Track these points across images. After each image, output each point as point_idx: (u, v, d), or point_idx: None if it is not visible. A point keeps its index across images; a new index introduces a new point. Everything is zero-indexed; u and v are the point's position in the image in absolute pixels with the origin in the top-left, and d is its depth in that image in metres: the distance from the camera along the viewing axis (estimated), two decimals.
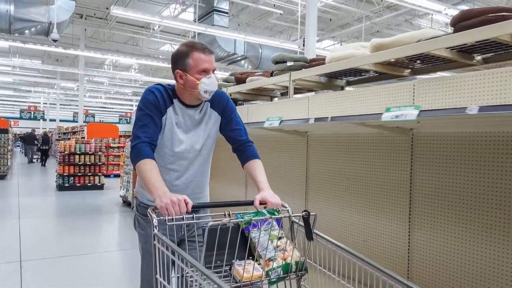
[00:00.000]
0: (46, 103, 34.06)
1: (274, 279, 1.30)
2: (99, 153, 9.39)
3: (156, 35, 16.54)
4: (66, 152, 9.03)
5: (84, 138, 12.61)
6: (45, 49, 12.90)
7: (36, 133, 19.92)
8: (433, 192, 2.23)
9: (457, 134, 2.16)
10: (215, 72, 1.68)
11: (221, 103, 1.78)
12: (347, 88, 4.21)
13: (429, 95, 2.19)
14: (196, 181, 1.76)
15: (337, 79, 4.12)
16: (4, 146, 11.29)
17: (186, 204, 1.36)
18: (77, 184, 9.05)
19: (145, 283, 1.77)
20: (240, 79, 4.61)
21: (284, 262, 1.32)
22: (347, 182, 2.78)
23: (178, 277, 1.35)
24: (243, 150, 1.76)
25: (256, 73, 4.58)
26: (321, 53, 12.12)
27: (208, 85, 1.61)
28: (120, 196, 7.46)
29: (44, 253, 4.18)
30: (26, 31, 10.76)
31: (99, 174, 9.32)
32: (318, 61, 3.72)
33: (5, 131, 11.52)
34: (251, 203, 1.50)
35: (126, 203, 7.13)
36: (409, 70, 3.43)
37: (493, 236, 1.94)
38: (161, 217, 1.33)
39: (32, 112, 28.19)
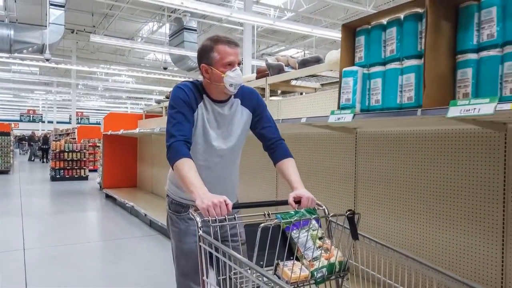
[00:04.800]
0: (44, 106, 36.26)
1: (320, 280, 1.29)
2: (84, 150, 11.62)
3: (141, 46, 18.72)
4: (57, 150, 11.27)
5: (75, 139, 14.82)
6: (40, 65, 15.06)
7: (35, 135, 22.31)
8: None
9: None
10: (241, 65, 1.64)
11: (252, 100, 1.75)
12: None
13: None
14: (227, 178, 1.76)
15: None
16: (7, 146, 13.53)
17: (227, 205, 1.35)
18: (66, 176, 11.28)
19: (181, 286, 1.74)
20: None
21: (328, 262, 1.31)
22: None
23: (223, 278, 1.33)
24: (275, 148, 1.72)
25: None
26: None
27: (233, 78, 1.59)
28: (97, 183, 9.69)
29: (39, 212, 6.41)
30: (24, 51, 12.95)
31: (84, 167, 11.56)
32: None
33: (7, 133, 13.78)
34: (286, 202, 1.49)
35: (101, 187, 9.36)
36: None
37: None
38: (205, 218, 1.34)
39: (31, 115, 30.41)
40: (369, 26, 2.15)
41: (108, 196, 8.00)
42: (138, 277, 3.48)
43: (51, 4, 12.09)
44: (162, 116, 7.05)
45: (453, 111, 1.57)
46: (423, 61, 1.78)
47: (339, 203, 3.00)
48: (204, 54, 1.62)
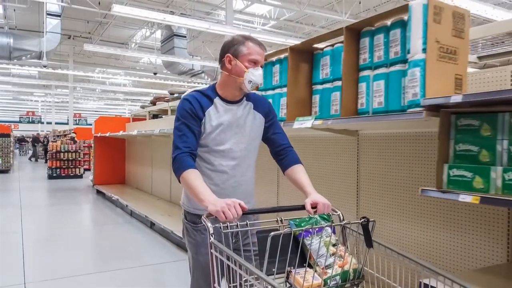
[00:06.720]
0: (43, 108, 37.12)
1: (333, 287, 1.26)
2: (79, 151, 12.50)
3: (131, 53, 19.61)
4: (54, 151, 12.14)
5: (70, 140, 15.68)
6: (38, 70, 15.93)
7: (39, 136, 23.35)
8: None
9: None
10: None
11: (264, 106, 1.79)
12: None
13: None
14: (244, 186, 1.75)
15: None
16: (7, 147, 14.41)
17: (240, 206, 1.36)
18: (62, 174, 12.15)
19: None
20: (154, 102, 7.72)
21: (342, 270, 1.28)
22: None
23: (235, 286, 1.29)
24: (285, 154, 1.75)
25: (166, 98, 7.66)
26: None
27: (254, 75, 1.61)
28: (90, 180, 10.56)
29: (36, 204, 7.29)
30: (23, 58, 13.81)
31: (79, 166, 12.44)
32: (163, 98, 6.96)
33: (8, 135, 14.67)
34: (301, 207, 1.50)
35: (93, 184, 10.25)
36: None
37: None
38: (216, 225, 1.32)
39: (30, 117, 31.29)
40: (266, 61, 3.02)
41: (99, 192, 8.88)
42: (115, 252, 4.36)
43: (48, 14, 12.95)
44: (146, 119, 7.91)
45: (296, 124, 2.44)
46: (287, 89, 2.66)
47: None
48: (233, 46, 1.64)
